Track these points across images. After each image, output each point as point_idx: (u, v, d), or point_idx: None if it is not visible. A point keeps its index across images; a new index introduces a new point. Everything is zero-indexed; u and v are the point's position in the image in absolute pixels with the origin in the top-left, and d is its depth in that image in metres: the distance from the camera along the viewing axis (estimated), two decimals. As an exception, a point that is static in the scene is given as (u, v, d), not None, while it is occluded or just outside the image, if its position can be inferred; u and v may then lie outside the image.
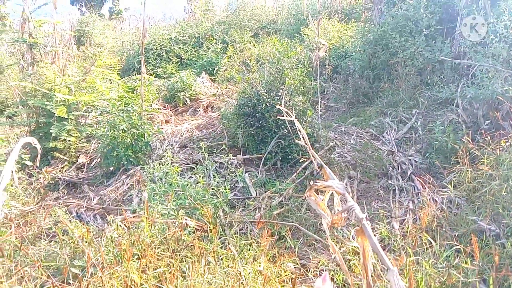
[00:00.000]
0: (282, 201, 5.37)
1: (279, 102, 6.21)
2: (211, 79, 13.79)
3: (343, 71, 9.85)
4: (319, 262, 4.00)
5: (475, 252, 2.58)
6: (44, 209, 5.39)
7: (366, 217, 2.00)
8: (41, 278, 3.19)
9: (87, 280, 3.06)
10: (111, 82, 9.73)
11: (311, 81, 7.89)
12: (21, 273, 3.14)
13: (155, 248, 3.44)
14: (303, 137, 2.97)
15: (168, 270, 3.25)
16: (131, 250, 2.96)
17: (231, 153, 6.43)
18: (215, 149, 7.28)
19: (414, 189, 5.26)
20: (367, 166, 5.99)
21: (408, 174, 5.54)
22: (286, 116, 3.61)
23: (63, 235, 3.82)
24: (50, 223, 4.13)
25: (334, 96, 9.88)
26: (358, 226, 1.96)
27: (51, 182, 7.24)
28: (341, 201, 2.39)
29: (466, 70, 7.19)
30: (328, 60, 10.54)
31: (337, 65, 10.45)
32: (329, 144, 6.60)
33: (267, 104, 6.23)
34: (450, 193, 4.34)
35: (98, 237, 3.83)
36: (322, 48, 6.91)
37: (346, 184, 5.58)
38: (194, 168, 6.54)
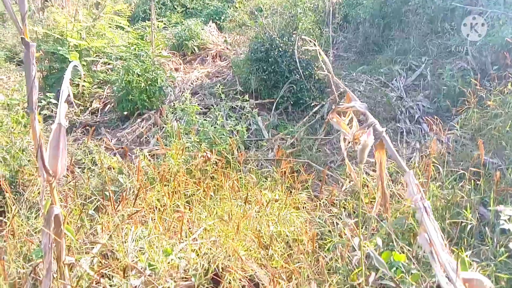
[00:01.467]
0: (294, 142, 5.63)
1: (292, 47, 6.32)
2: (218, 28, 13.71)
3: (354, 19, 9.82)
4: (330, 193, 4.29)
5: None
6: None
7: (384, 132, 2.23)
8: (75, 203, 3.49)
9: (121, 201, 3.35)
10: (122, 29, 9.73)
11: (321, 29, 7.94)
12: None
13: (180, 176, 3.72)
14: (325, 64, 3.14)
15: (195, 193, 3.54)
16: (164, 174, 3.22)
17: (243, 97, 6.61)
18: (226, 95, 7.46)
19: (421, 131, 5.49)
20: (376, 111, 6.19)
21: (416, 117, 5.75)
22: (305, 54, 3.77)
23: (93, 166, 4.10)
24: (80, 155, 4.40)
25: (344, 45, 9.91)
26: (377, 140, 2.19)
27: (69, 125, 7.47)
28: (359, 122, 2.61)
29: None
30: (339, 9, 10.46)
31: (347, 14, 10.38)
32: (340, 89, 6.76)
33: (280, 49, 6.35)
34: (457, 131, 4.57)
35: (126, 167, 4.11)
36: (335, -7, 6.91)
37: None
38: (206, 114, 6.76)
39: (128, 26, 10.37)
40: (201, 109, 7.26)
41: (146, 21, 10.95)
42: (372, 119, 2.24)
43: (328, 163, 5.10)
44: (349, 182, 4.45)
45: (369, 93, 6.94)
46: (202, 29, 12.57)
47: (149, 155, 4.16)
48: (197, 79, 9.44)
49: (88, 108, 8.48)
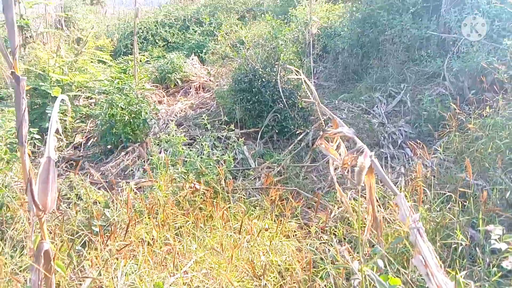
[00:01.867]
0: (281, 170, 5.64)
1: (274, 77, 6.44)
2: (200, 61, 13.90)
3: (332, 50, 10.09)
4: (319, 220, 4.29)
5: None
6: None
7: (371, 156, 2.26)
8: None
9: (108, 236, 3.28)
10: (104, 63, 9.79)
11: (302, 59, 8.14)
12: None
13: (169, 208, 3.67)
14: (310, 92, 3.20)
15: (184, 225, 3.49)
16: (152, 206, 3.18)
17: (229, 127, 6.64)
18: (212, 125, 7.49)
19: (405, 155, 5.58)
20: (360, 137, 6.28)
21: (399, 142, 5.86)
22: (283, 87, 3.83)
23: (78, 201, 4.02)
24: (65, 190, 4.31)
25: (324, 74, 10.13)
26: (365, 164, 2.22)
27: (56, 158, 7.35)
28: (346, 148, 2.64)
29: (452, 46, 7.52)
30: (317, 40, 10.76)
31: (326, 45, 10.68)
32: (323, 118, 6.86)
33: (263, 79, 6.46)
34: (440, 155, 4.66)
35: (112, 201, 4.03)
36: (315, 25, 7.14)
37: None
38: (191, 145, 6.75)
39: (111, 60, 10.45)
40: (186, 139, 7.27)
41: (128, 55, 11.03)
42: (360, 143, 2.28)
43: (316, 190, 5.12)
44: (338, 208, 4.46)
45: (352, 120, 7.06)
46: (185, 62, 12.73)
47: (136, 187, 4.10)
48: (181, 110, 9.47)
49: (71, 143, 8.40)
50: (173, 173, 4.00)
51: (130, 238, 3.26)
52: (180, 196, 3.89)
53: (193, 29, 16.90)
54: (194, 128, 7.91)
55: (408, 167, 5.20)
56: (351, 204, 4.41)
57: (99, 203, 3.88)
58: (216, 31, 15.37)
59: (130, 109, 7.27)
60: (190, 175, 4.11)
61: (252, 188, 5.08)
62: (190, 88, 11.58)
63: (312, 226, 4.16)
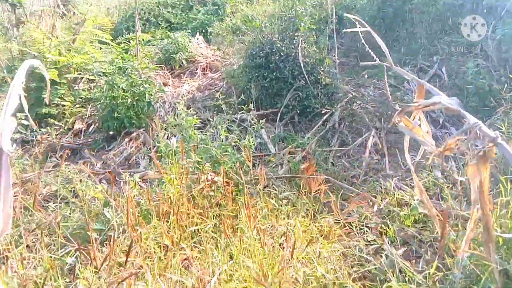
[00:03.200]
0: (306, 156, 4.94)
1: (294, 51, 5.69)
2: (205, 40, 13.13)
3: (350, 23, 9.25)
4: (361, 215, 3.59)
5: None
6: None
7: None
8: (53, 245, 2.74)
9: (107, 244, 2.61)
10: (105, 44, 9.07)
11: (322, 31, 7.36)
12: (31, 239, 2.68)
13: (183, 207, 2.98)
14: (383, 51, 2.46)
15: (202, 228, 2.81)
16: (161, 205, 2.50)
17: (247, 108, 5.89)
18: (223, 107, 6.76)
19: (449, 136, 4.84)
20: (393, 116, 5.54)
21: (441, 121, 5.12)
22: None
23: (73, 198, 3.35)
24: (58, 185, 3.64)
25: (341, 51, 9.32)
26: (483, 150, 1.53)
27: (48, 149, 6.70)
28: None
29: (493, 11, 6.67)
30: (334, 15, 9.92)
31: (343, 18, 9.83)
32: (348, 95, 6.12)
33: (281, 53, 5.70)
34: (504, 134, 3.93)
35: (113, 198, 3.36)
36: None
37: (373, 136, 5.15)
38: (201, 129, 6.05)
39: (111, 40, 9.71)
40: (198, 122, 6.53)
41: (130, 33, 10.27)
42: (474, 119, 1.56)
43: (350, 178, 4.41)
44: (381, 200, 3.76)
45: (379, 97, 6.32)
46: (190, 42, 11.98)
47: (141, 180, 3.41)
48: (188, 92, 8.75)
49: (70, 129, 7.73)
50: (186, 163, 3.29)
51: (135, 247, 2.57)
52: (194, 190, 3.20)
53: (196, 9, 16.06)
54: (204, 110, 7.19)
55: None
56: (399, 194, 3.71)
57: (98, 200, 3.21)
58: (220, 10, 14.55)
59: (133, 90, 6.57)
60: (206, 164, 3.41)
61: (276, 178, 4.37)
62: (197, 69, 10.83)
63: (354, 224, 3.47)
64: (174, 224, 2.74)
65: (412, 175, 4.21)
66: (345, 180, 4.36)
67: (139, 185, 3.28)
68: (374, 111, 5.74)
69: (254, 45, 6.03)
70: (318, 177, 4.19)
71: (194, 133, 3.97)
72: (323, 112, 5.49)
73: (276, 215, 3.33)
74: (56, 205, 3.37)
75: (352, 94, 6.24)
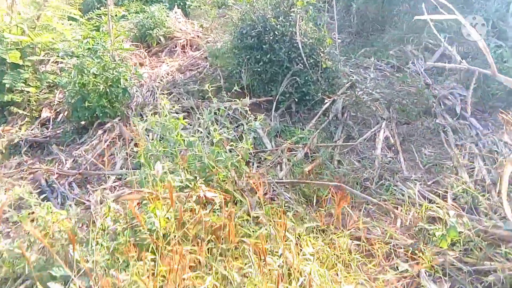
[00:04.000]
0: (308, 153, 4.31)
1: (290, 29, 4.97)
2: (184, 14, 12.17)
3: (344, -2, 8.51)
4: (384, 232, 3.01)
5: None
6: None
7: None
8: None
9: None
10: (74, 20, 8.13)
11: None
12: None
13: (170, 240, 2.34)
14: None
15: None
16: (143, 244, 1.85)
17: (230, 96, 5.17)
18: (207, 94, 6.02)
19: (470, 128, 4.28)
20: (403, 104, 4.95)
21: (459, 110, 4.54)
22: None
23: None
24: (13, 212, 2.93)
25: (333, 26, 8.62)
26: None
27: (10, 144, 5.89)
28: None
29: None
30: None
31: (335, -10, 9.07)
32: (351, 79, 5.48)
33: (276, 32, 4.98)
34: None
35: (82, 225, 2.69)
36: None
37: (383, 128, 4.55)
38: (186, 118, 5.32)
39: (81, 16, 8.73)
40: (186, 124, 5.76)
41: (102, 8, 9.28)
42: None
43: (363, 182, 3.80)
44: (406, 213, 3.18)
45: (383, 80, 5.71)
46: (167, 16, 11.04)
47: (116, 201, 2.72)
48: (168, 74, 7.95)
49: (36, 118, 6.88)
50: (172, 179, 2.61)
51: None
52: (185, 214, 2.54)
53: (175, -22, 14.95)
54: (186, 96, 6.44)
55: (482, 145, 3.91)
56: (428, 207, 3.14)
57: (62, 231, 2.52)
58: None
59: (106, 75, 5.77)
60: (199, 180, 2.75)
61: (277, 182, 3.74)
62: (176, 47, 9.94)
63: (375, 244, 2.89)
64: (160, 270, 2.10)
65: (434, 176, 3.64)
66: (357, 184, 3.76)
67: (114, 208, 2.59)
68: (381, 98, 5.11)
69: (244, 22, 5.27)
70: (328, 184, 3.59)
71: (180, 136, 3.27)
72: (324, 100, 4.84)
73: (285, 239, 2.71)
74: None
75: (353, 77, 5.59)
